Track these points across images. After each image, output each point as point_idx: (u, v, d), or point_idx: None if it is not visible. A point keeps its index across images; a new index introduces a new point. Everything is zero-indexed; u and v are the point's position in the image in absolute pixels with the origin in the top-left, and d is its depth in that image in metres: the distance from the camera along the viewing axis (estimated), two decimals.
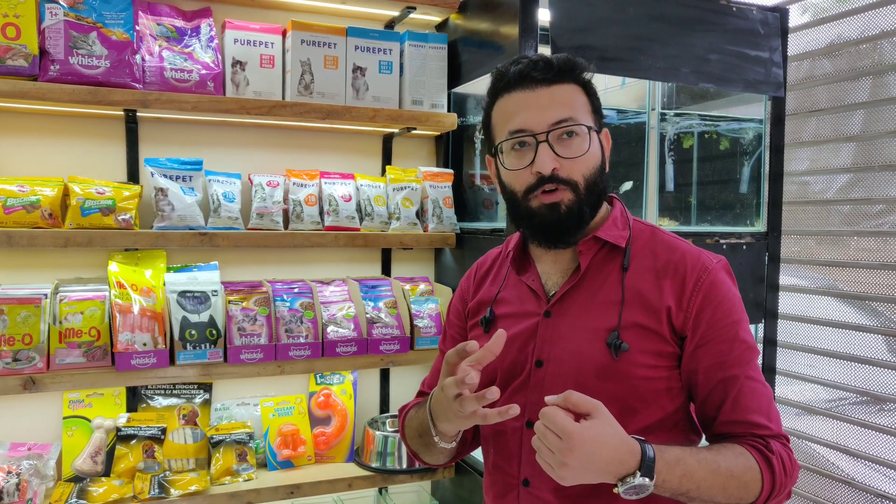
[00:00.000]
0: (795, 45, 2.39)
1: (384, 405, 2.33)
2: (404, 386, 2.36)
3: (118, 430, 1.92)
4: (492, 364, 1.22)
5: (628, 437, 1.01)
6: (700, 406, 1.17)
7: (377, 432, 2.09)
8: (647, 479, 0.99)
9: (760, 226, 2.20)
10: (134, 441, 1.92)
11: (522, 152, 1.16)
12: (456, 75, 2.18)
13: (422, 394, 1.44)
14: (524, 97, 1.15)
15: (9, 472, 1.71)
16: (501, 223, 1.95)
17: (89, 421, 1.95)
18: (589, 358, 1.15)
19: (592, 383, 1.13)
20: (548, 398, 1.01)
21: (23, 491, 1.69)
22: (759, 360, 1.20)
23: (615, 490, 1.00)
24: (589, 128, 1.15)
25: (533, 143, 1.14)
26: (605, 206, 1.25)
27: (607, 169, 1.22)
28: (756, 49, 2.03)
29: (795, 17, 2.33)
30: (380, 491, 2.32)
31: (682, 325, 1.14)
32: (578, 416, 1.00)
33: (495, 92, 1.21)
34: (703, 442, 1.21)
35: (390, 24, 2.25)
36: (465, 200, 2.27)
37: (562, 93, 1.15)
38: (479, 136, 2.21)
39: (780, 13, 2.08)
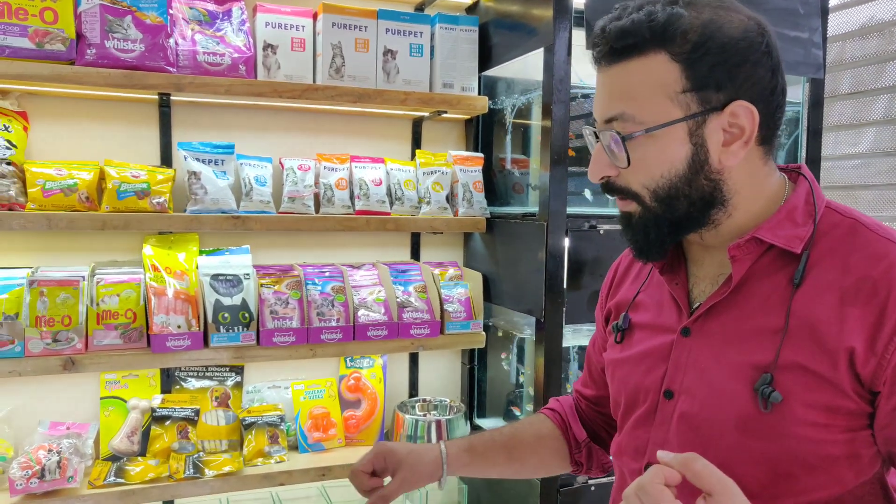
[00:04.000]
0: (833, 25, 2.34)
1: (413, 389, 2.34)
2: (433, 370, 2.37)
3: (153, 410, 1.95)
4: (616, 385, 1.07)
5: None
6: None
7: (406, 416, 2.10)
8: None
9: None
10: (168, 422, 1.94)
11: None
12: (487, 58, 2.16)
13: (579, 392, 1.30)
14: (597, 78, 0.93)
15: (50, 451, 1.74)
16: (533, 207, 1.94)
17: (125, 402, 1.98)
18: (730, 402, 0.88)
19: (732, 437, 0.87)
20: (661, 455, 0.75)
21: (63, 468, 1.72)
22: None
23: None
24: (625, 138, 0.88)
25: (594, 142, 0.94)
26: (784, 187, 0.94)
27: (729, 161, 0.88)
28: (795, 29, 1.98)
29: None
30: None
31: (871, 375, 0.81)
32: (697, 492, 0.73)
33: None
34: None
35: (420, 7, 2.23)
36: (496, 185, 2.26)
37: (621, 77, 0.88)
38: (509, 119, 2.19)
39: None
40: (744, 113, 0.87)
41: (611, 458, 1.25)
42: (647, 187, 0.90)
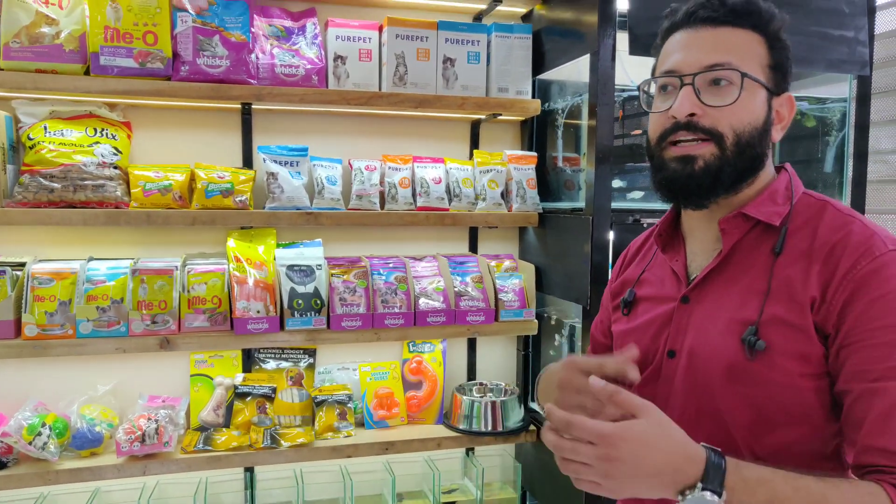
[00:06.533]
0: (888, 22, 2.37)
1: (471, 372, 2.50)
2: (490, 356, 2.52)
3: (236, 387, 2.17)
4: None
5: (688, 442, 0.86)
6: (843, 422, 0.96)
7: (464, 397, 2.26)
8: (712, 495, 0.82)
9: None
10: (249, 398, 2.16)
11: (667, 95, 1.06)
12: (540, 63, 2.29)
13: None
14: (686, 37, 1.05)
15: (149, 419, 1.98)
16: (581, 203, 2.06)
17: (211, 379, 2.21)
18: (720, 354, 1.01)
19: (721, 384, 0.99)
20: (592, 379, 0.88)
21: (160, 435, 1.96)
22: None
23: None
24: (745, 76, 1.00)
25: (678, 86, 1.03)
26: (768, 176, 1.09)
27: (775, 137, 1.05)
28: (840, 28, 2.03)
29: None
30: (467, 453, 2.50)
31: (823, 320, 0.95)
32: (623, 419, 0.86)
33: (664, 33, 1.11)
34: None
35: (478, 17, 2.39)
36: (548, 181, 2.39)
37: (729, 36, 1.02)
38: (561, 120, 2.32)
39: None
40: (789, 103, 1.07)
41: None
42: (734, 129, 1.01)
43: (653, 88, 1.10)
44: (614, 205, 1.94)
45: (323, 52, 2.15)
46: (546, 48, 2.27)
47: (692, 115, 1.01)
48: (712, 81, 1.01)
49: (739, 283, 1.04)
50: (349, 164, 2.25)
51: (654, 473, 0.83)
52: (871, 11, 2.08)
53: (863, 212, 2.17)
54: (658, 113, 1.07)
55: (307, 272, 2.15)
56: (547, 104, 2.35)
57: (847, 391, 0.93)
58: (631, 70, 2.10)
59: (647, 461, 0.83)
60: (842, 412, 0.96)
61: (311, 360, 2.33)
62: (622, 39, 1.90)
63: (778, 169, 1.13)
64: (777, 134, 1.06)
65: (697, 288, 1.09)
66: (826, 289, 0.95)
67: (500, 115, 2.27)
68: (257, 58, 2.06)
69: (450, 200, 2.28)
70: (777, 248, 1.02)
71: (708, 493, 0.82)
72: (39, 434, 1.89)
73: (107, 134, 2.02)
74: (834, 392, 0.96)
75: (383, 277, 2.20)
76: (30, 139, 1.94)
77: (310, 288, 2.13)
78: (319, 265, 2.16)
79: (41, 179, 1.89)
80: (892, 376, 0.89)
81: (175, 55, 1.95)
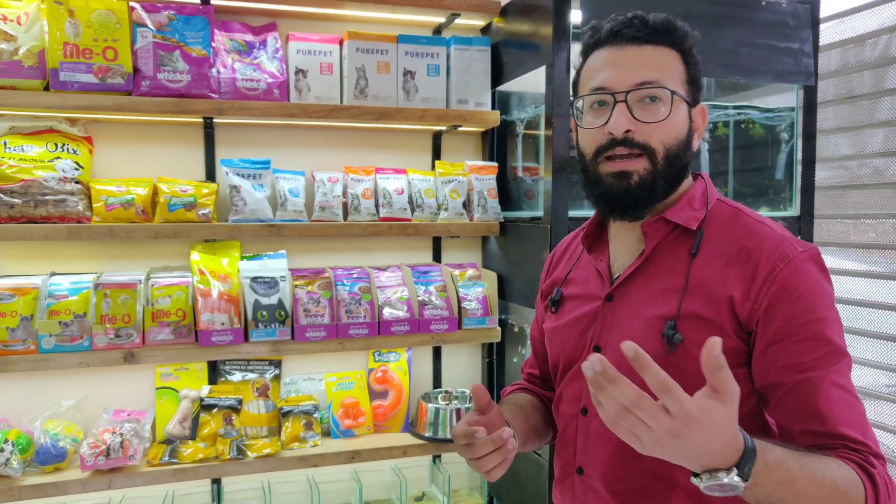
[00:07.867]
0: (835, 33, 2.45)
1: (437, 381, 2.53)
2: (454, 363, 2.55)
3: (202, 400, 2.17)
4: (555, 349, 1.26)
5: (738, 429, 0.86)
6: (773, 412, 1.05)
7: (429, 405, 2.29)
8: (740, 480, 0.85)
9: (793, 210, 2.28)
10: (215, 410, 2.16)
11: (600, 111, 1.11)
12: (499, 75, 2.34)
13: (528, 373, 1.47)
14: (612, 54, 1.11)
15: (114, 433, 1.98)
16: (540, 212, 2.10)
17: (177, 392, 2.21)
18: (642, 347, 1.03)
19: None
20: (711, 342, 0.83)
21: (125, 449, 1.96)
22: None
23: (693, 480, 0.87)
24: (674, 93, 1.08)
25: (611, 102, 1.08)
26: (687, 184, 1.17)
27: (695, 147, 1.14)
28: (786, 41, 2.11)
29: (829, 7, 2.39)
30: (434, 460, 2.52)
31: (747, 317, 1.03)
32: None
33: (587, 48, 1.16)
34: None
35: (438, 30, 2.43)
36: (509, 191, 2.44)
37: (653, 54, 1.09)
38: (520, 131, 2.37)
39: (811, 4, 2.15)
40: (702, 113, 1.16)
41: None
42: (664, 144, 1.08)
43: (583, 104, 1.15)
44: (577, 213, 1.99)
45: (284, 66, 2.18)
46: (504, 60, 2.32)
47: (628, 131, 1.08)
48: (643, 98, 1.08)
49: (659, 282, 1.12)
50: (312, 176, 2.28)
51: (700, 454, 0.84)
52: (815, 23, 2.16)
53: (812, 216, 2.25)
54: (592, 129, 1.12)
55: (271, 284, 2.16)
56: (506, 115, 2.40)
57: (780, 383, 1.01)
58: None
59: (705, 445, 0.83)
60: (769, 400, 1.04)
61: (277, 372, 2.34)
62: (577, 51, 1.95)
63: (695, 176, 1.21)
64: (695, 143, 1.14)
65: (621, 287, 1.16)
66: (749, 288, 1.03)
67: (461, 126, 2.32)
68: (218, 72, 2.08)
69: (412, 211, 2.31)
70: (694, 250, 1.10)
71: (739, 480, 0.84)
72: (2, 450, 1.89)
73: (68, 149, 2.02)
74: (761, 383, 1.04)
75: (347, 288, 2.22)
76: None
77: (274, 299, 2.14)
78: (283, 277, 2.18)
79: (1, 195, 1.89)
80: (819, 366, 0.99)
81: (135, 70, 1.96)
